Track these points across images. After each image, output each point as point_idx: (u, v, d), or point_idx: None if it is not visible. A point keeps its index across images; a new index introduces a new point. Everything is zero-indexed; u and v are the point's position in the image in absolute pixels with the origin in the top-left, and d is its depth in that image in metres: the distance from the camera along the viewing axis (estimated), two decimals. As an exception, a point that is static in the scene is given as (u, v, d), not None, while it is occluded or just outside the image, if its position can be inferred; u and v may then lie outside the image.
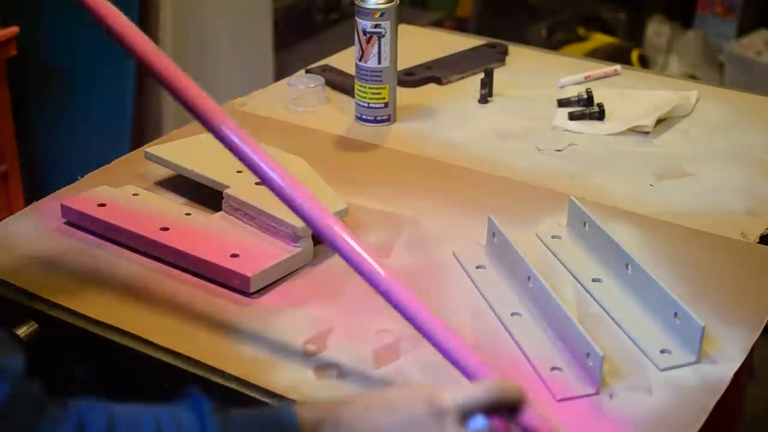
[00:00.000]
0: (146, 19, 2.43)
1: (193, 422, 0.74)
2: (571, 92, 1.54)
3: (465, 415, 0.78)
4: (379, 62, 1.41)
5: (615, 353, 0.99)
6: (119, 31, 0.89)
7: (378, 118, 1.45)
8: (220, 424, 0.74)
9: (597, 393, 0.93)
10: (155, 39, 2.41)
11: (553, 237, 1.18)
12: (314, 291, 1.08)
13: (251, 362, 0.97)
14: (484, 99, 1.53)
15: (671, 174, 1.34)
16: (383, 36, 1.40)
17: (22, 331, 1.03)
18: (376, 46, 1.40)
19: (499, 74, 1.57)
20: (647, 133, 1.44)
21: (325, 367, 0.96)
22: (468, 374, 0.86)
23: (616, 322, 1.04)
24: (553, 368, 0.96)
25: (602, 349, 0.93)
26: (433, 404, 0.78)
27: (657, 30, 3.35)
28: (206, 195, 1.23)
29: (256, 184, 1.19)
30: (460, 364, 0.86)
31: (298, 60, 2.69)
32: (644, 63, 3.18)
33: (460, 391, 0.80)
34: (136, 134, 2.46)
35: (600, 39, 3.26)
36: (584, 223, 1.16)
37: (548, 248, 1.16)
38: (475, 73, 1.62)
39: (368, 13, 1.39)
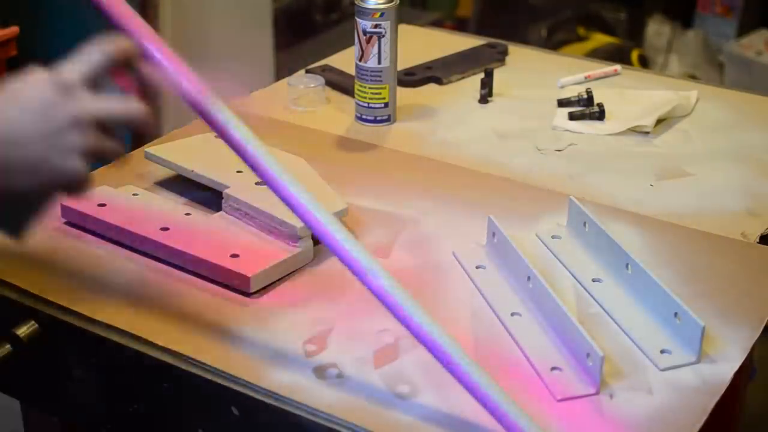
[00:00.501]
0: (146, 19, 2.43)
1: None
2: (571, 92, 1.54)
3: (94, 82, 0.79)
4: (379, 62, 1.41)
5: (615, 353, 0.99)
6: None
7: (378, 118, 1.45)
8: None
9: (597, 393, 0.93)
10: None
11: (553, 237, 1.18)
12: (314, 291, 1.08)
13: (251, 362, 0.97)
14: (484, 99, 1.53)
15: (671, 174, 1.34)
16: (383, 36, 1.40)
17: (22, 331, 1.03)
18: (376, 46, 1.40)
19: (499, 74, 1.57)
20: (647, 133, 1.44)
21: (325, 367, 0.96)
22: (468, 387, 0.86)
23: (616, 322, 1.04)
24: (553, 368, 0.96)
25: (602, 349, 0.93)
26: (57, 81, 0.78)
27: (657, 30, 3.36)
28: (206, 195, 1.23)
29: (256, 184, 1.19)
30: (453, 368, 0.87)
31: (298, 60, 2.69)
32: (644, 63, 3.18)
33: (76, 62, 0.80)
34: (136, 134, 2.46)
35: (600, 39, 3.26)
36: (584, 223, 1.16)
37: (548, 248, 1.16)
38: (475, 73, 1.62)
39: (368, 13, 1.39)
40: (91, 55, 0.81)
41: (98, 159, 0.82)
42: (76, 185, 0.82)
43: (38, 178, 0.79)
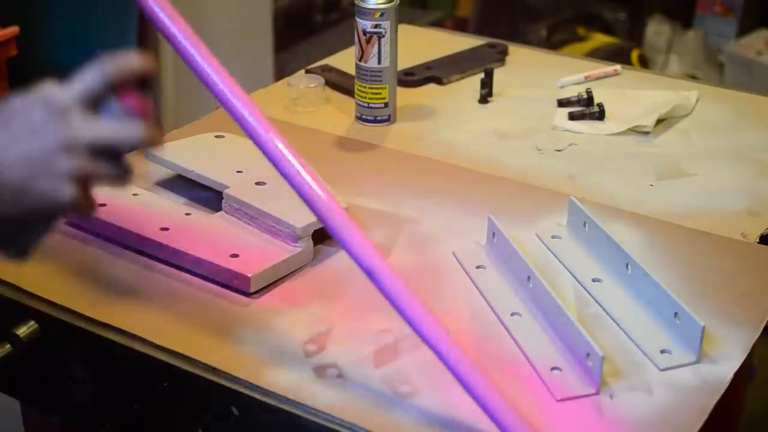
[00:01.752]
0: (146, 20, 2.43)
1: None
2: (571, 92, 1.54)
3: (94, 103, 0.75)
4: (379, 62, 1.41)
5: (615, 353, 0.99)
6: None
7: (378, 118, 1.45)
8: None
9: (597, 393, 0.93)
10: (155, 39, 2.42)
11: (553, 237, 1.18)
12: (314, 291, 1.08)
13: (251, 362, 0.97)
14: (484, 99, 1.53)
15: (671, 174, 1.34)
16: (383, 36, 1.40)
17: (22, 331, 1.03)
18: (376, 46, 1.40)
19: (499, 74, 1.57)
20: (647, 133, 1.44)
21: (325, 367, 0.96)
22: (449, 366, 0.86)
23: (616, 322, 1.04)
24: (553, 368, 0.96)
25: (602, 349, 0.93)
26: (49, 104, 0.75)
27: (657, 30, 3.35)
28: (206, 195, 1.23)
29: (256, 184, 1.19)
30: (440, 352, 0.87)
31: (298, 60, 2.69)
32: (644, 63, 3.18)
33: (73, 83, 0.76)
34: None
35: (600, 39, 3.26)
36: (584, 223, 1.16)
37: (548, 248, 1.16)
38: (475, 73, 1.62)
39: (368, 13, 1.39)
40: (90, 75, 0.77)
41: (95, 184, 0.78)
42: (67, 210, 0.78)
43: (24, 202, 0.76)
